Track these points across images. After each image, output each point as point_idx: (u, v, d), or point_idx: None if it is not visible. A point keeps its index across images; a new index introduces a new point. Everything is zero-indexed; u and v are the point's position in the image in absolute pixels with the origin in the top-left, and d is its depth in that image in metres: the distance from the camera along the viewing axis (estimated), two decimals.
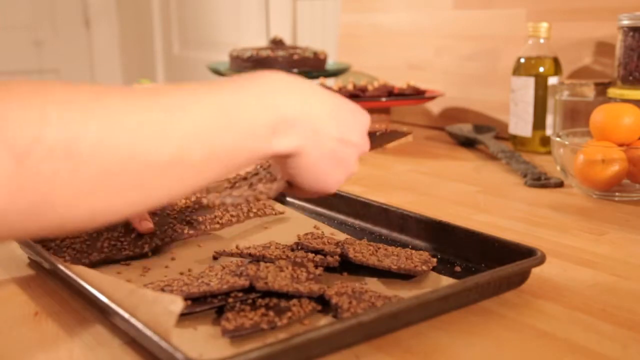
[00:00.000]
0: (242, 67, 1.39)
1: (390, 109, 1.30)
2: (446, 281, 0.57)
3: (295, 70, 1.37)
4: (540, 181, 0.92)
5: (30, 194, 0.35)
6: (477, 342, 0.48)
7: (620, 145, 0.85)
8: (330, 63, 1.50)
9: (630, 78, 0.97)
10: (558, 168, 0.90)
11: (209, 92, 0.42)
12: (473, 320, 0.51)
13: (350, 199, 0.74)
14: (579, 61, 1.16)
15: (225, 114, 0.41)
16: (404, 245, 0.65)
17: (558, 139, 0.89)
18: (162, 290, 0.52)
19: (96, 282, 0.50)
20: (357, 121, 0.49)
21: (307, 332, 0.42)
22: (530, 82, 1.10)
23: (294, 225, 0.73)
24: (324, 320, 0.50)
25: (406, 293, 0.54)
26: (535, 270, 0.56)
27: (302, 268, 0.55)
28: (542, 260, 0.55)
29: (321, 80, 1.31)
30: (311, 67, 1.39)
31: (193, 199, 0.72)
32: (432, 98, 1.24)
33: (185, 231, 0.67)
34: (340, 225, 0.74)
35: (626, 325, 0.50)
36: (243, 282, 0.51)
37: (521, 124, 1.13)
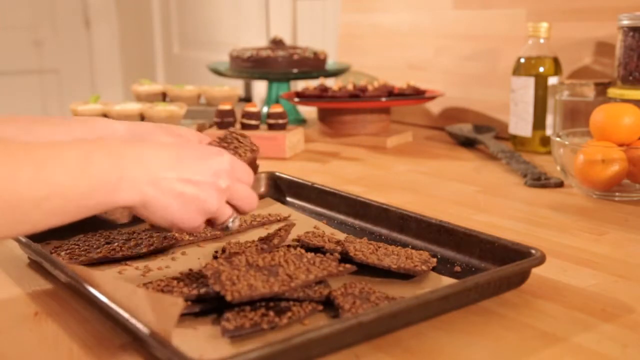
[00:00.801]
0: (242, 67, 1.40)
1: (390, 109, 1.30)
2: (446, 281, 0.57)
3: (295, 70, 1.37)
4: (540, 181, 0.92)
5: None
6: (477, 342, 0.48)
7: (620, 145, 0.85)
8: (330, 63, 1.50)
9: (630, 78, 0.97)
10: (558, 168, 0.90)
11: (71, 148, 0.48)
12: (473, 320, 0.51)
13: (350, 199, 0.74)
14: (579, 61, 1.16)
15: (80, 169, 0.47)
16: (404, 245, 0.65)
17: (558, 139, 0.89)
18: (162, 290, 0.52)
19: (96, 282, 0.50)
20: (203, 164, 0.53)
21: (307, 332, 0.42)
22: (530, 82, 1.10)
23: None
24: (324, 320, 0.50)
25: (406, 293, 0.54)
26: (535, 270, 0.56)
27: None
28: (542, 260, 0.55)
29: (321, 80, 1.31)
30: (311, 67, 1.39)
31: None
32: (432, 98, 1.24)
33: (186, 237, 0.67)
34: (341, 225, 0.74)
35: (626, 325, 0.50)
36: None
37: (521, 124, 1.13)
